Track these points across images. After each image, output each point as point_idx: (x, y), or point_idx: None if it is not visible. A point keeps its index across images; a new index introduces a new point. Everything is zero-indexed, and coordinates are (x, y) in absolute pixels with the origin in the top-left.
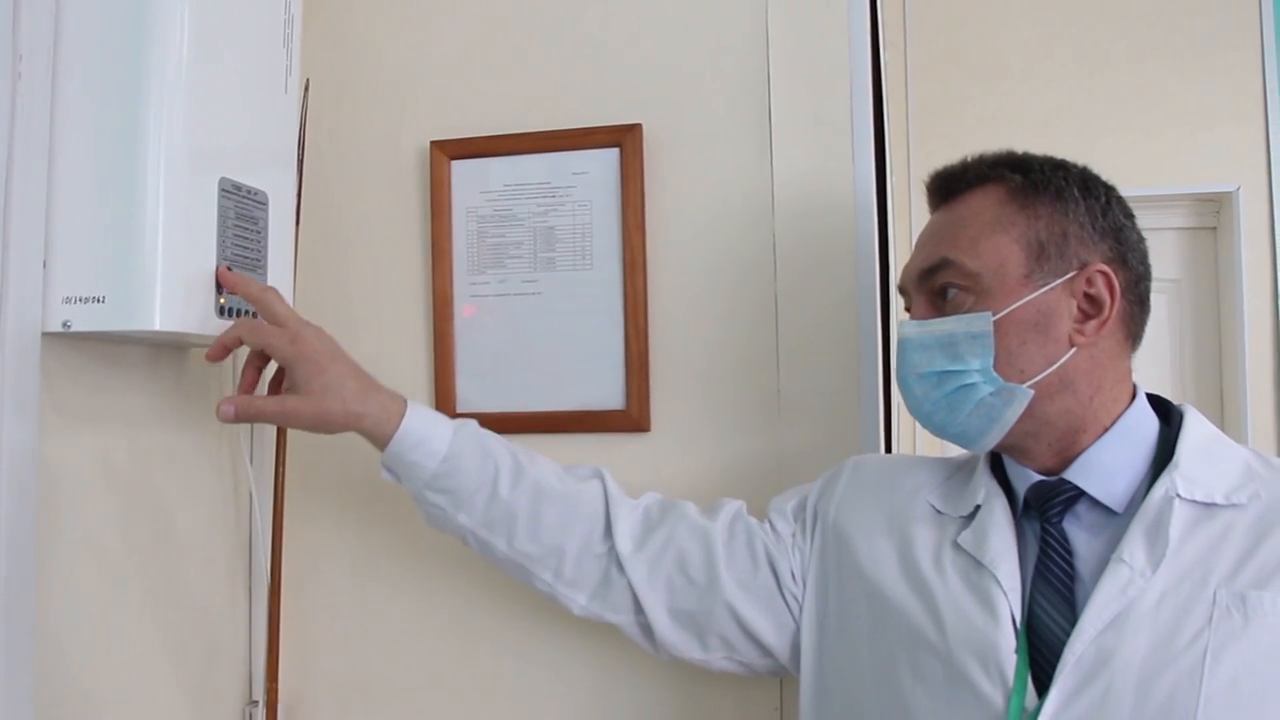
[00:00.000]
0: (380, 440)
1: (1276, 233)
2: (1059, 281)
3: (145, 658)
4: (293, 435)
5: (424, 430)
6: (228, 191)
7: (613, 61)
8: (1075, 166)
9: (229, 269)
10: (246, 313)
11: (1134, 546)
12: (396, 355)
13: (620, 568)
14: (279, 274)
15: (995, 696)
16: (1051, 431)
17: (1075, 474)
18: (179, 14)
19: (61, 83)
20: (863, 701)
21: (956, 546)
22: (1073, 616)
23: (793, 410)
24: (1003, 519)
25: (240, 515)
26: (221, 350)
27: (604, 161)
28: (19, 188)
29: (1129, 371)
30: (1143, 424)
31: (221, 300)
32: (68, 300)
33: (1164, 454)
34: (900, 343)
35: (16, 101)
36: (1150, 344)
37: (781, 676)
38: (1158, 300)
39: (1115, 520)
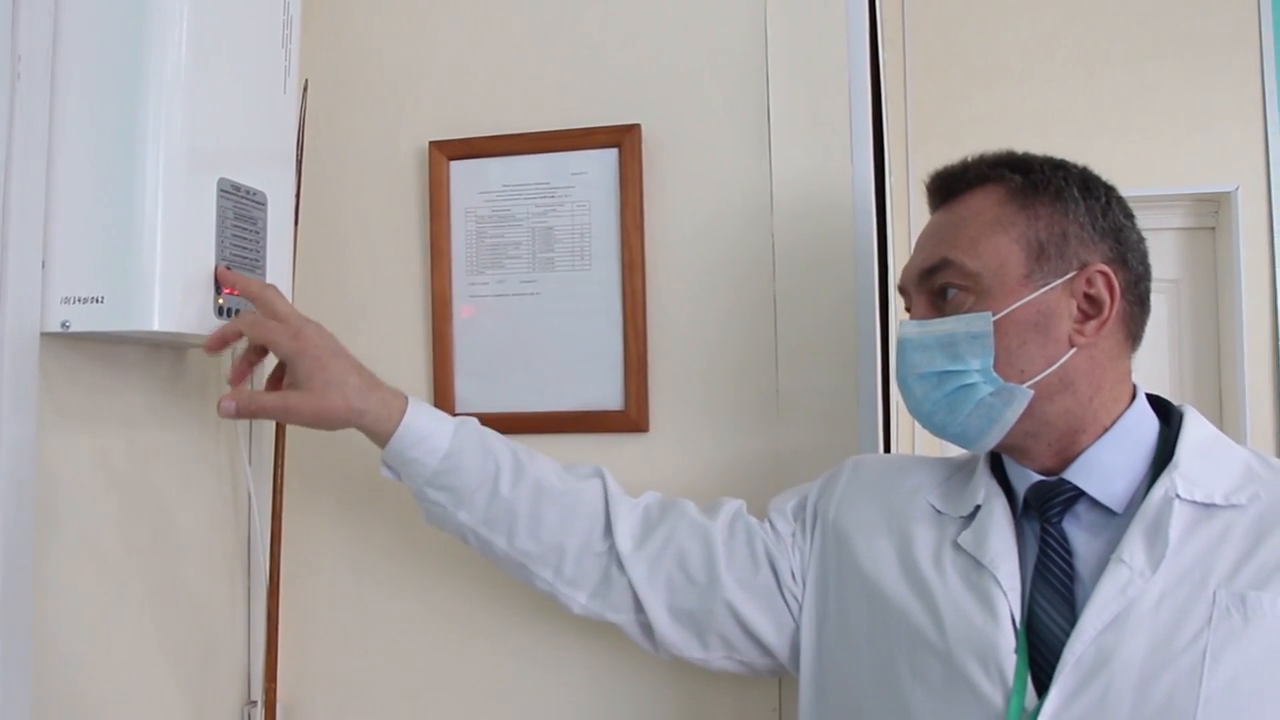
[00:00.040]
0: (381, 437)
1: (1275, 233)
2: (1059, 282)
3: (143, 657)
4: (291, 434)
5: (425, 427)
6: (226, 192)
7: (611, 62)
8: (1075, 167)
9: (228, 268)
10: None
11: (1134, 547)
12: (395, 355)
13: (620, 566)
14: (278, 274)
15: (995, 696)
16: (1051, 432)
17: (1075, 474)
18: (178, 14)
19: (60, 83)
20: (862, 701)
21: (956, 546)
22: (1072, 616)
23: (792, 410)
24: (1002, 519)
25: (239, 515)
26: (220, 341)
27: (603, 162)
28: (18, 188)
29: (1129, 372)
30: (1142, 424)
31: (220, 300)
32: (66, 300)
33: (1164, 454)
34: (900, 343)
35: (15, 101)
36: (1149, 344)
37: (781, 676)
38: (1156, 300)
39: (1115, 520)
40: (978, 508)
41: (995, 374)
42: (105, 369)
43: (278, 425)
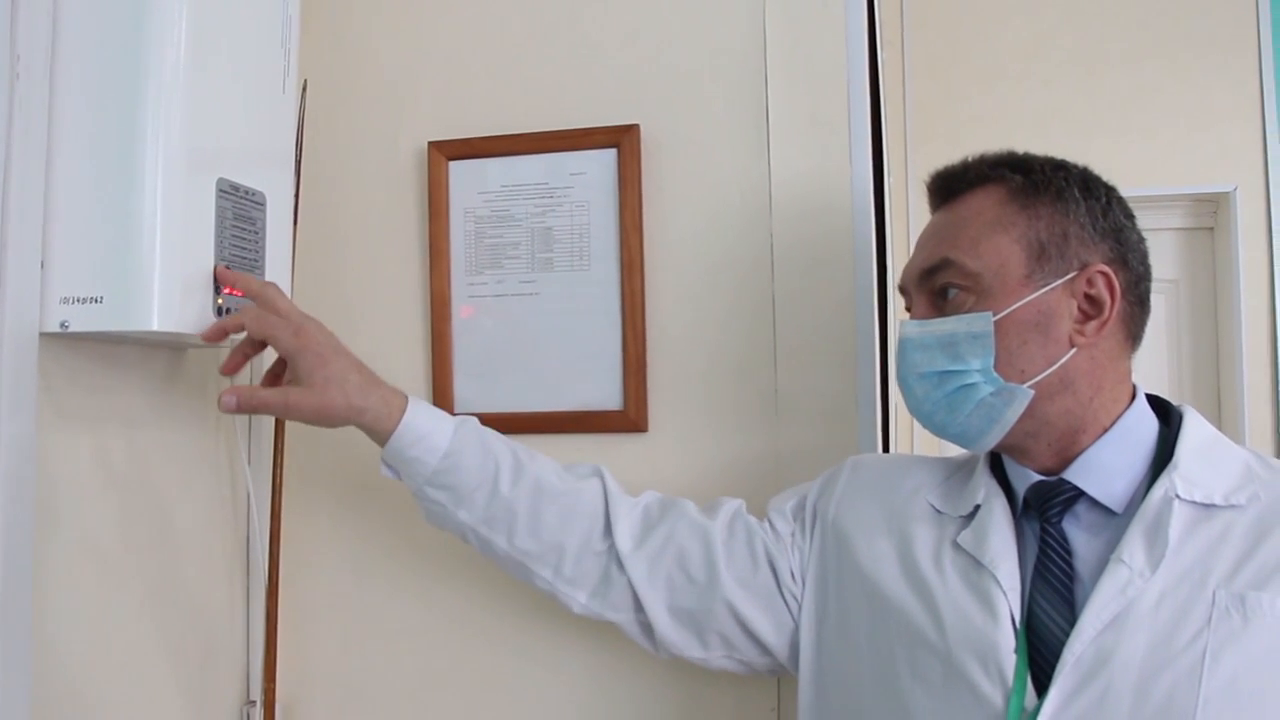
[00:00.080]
0: (381, 435)
1: (1273, 233)
2: (1059, 282)
3: (143, 657)
4: (290, 434)
5: (425, 426)
6: (225, 192)
7: (610, 62)
8: (1076, 167)
9: (227, 268)
10: None
11: (1133, 547)
12: (394, 355)
13: (620, 566)
14: (277, 274)
15: (994, 696)
16: (1051, 432)
17: (1075, 474)
18: (177, 14)
19: (59, 83)
20: (861, 701)
21: (956, 546)
22: (1072, 616)
23: (791, 410)
24: (1002, 519)
25: (238, 514)
26: (220, 332)
27: (601, 162)
28: (17, 188)
29: (1129, 372)
30: (1142, 424)
31: (219, 300)
32: (65, 300)
33: (1163, 455)
34: (901, 342)
35: (14, 102)
36: (1148, 344)
37: (780, 675)
38: (1155, 301)
39: (1114, 520)
40: (977, 507)
41: (996, 374)
42: (104, 369)
43: (277, 424)
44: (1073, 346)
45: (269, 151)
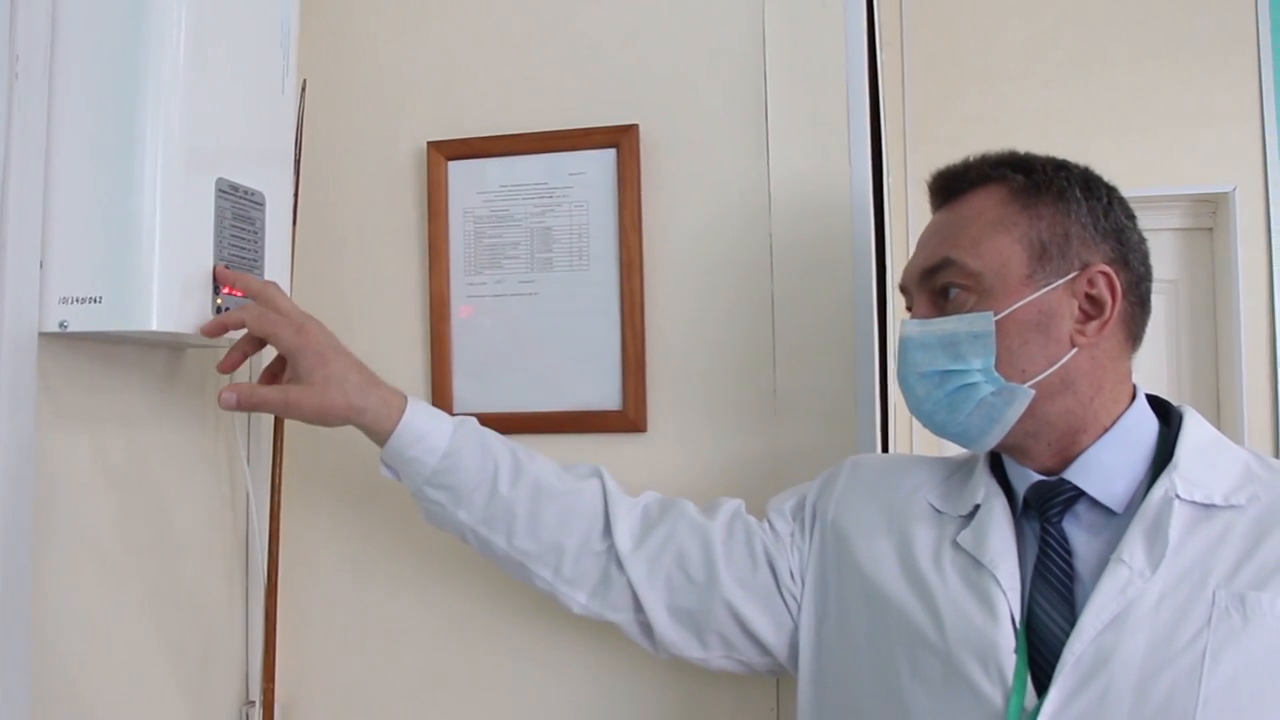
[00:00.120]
0: (380, 435)
1: (1272, 233)
2: (1060, 282)
3: (142, 657)
4: (290, 433)
5: (424, 426)
6: (224, 192)
7: (609, 62)
8: (1077, 167)
9: (227, 267)
10: None
11: (1133, 547)
12: (393, 355)
13: (619, 566)
14: (276, 274)
15: (994, 696)
16: (1052, 431)
17: (1075, 474)
18: (176, 14)
19: (58, 83)
20: (861, 701)
21: (956, 546)
22: (1072, 616)
23: (790, 410)
24: (1002, 518)
25: (237, 514)
26: (220, 328)
27: (601, 162)
28: (15, 188)
29: (1129, 372)
30: (1142, 425)
31: (218, 300)
32: (64, 300)
33: (1163, 455)
34: (902, 342)
35: (13, 101)
36: (1147, 344)
37: (779, 675)
38: (1154, 301)
39: (1115, 520)
40: (977, 507)
41: (996, 373)
42: (103, 369)
43: (276, 424)
44: (1073, 346)
45: (268, 151)
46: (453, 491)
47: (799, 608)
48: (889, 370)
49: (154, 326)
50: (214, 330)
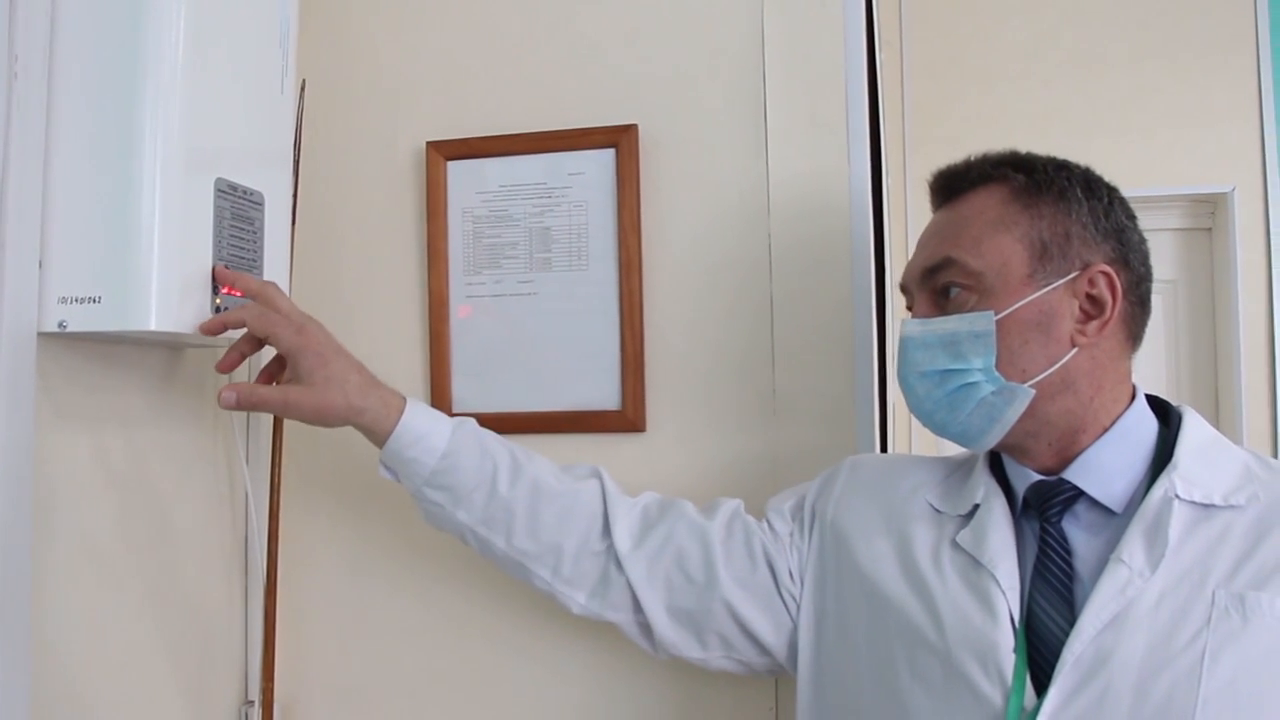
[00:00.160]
0: (379, 436)
1: (1271, 233)
2: (1061, 282)
3: (141, 657)
4: (289, 433)
5: (423, 427)
6: (223, 192)
7: (609, 62)
8: (1078, 167)
9: (226, 267)
10: None
11: (1133, 547)
12: (392, 355)
13: (619, 566)
14: (275, 274)
15: (994, 696)
16: (1052, 431)
17: (1075, 474)
18: (175, 14)
19: (57, 83)
20: (860, 700)
21: (955, 545)
22: (1071, 616)
23: (789, 411)
24: (1001, 518)
25: (236, 514)
26: (220, 326)
27: (600, 162)
28: (15, 188)
29: (1129, 372)
30: (1142, 425)
31: (217, 300)
32: (63, 300)
33: (1163, 455)
34: (902, 341)
35: (12, 101)
36: (1145, 344)
37: (778, 676)
38: (1153, 301)
39: (1114, 520)
40: (976, 506)
41: (997, 373)
42: (102, 368)
43: (275, 423)
44: (1074, 346)
45: (267, 151)
46: (452, 492)
47: (798, 608)
48: (888, 370)
49: (153, 326)
50: (213, 329)
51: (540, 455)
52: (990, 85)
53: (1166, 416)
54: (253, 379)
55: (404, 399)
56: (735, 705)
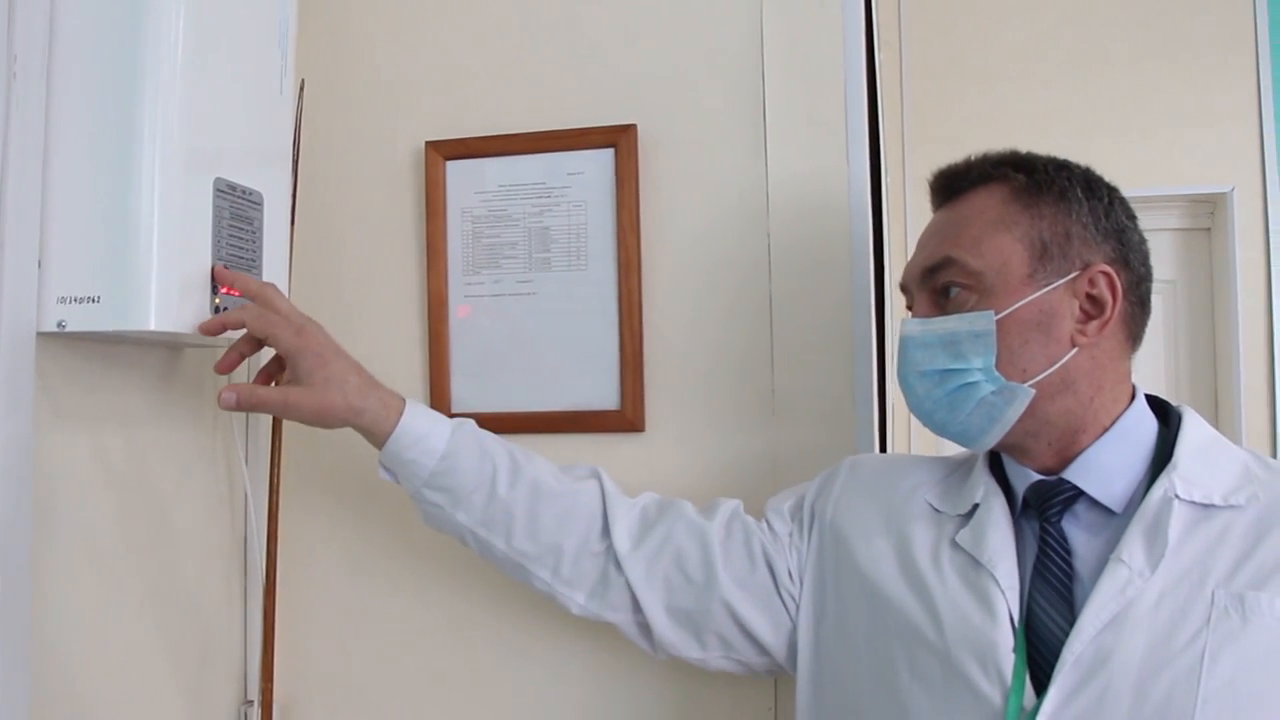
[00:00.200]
0: (378, 437)
1: (1271, 233)
2: (1061, 281)
3: (141, 657)
4: (288, 434)
5: (422, 428)
6: (222, 192)
7: (608, 62)
8: (1078, 167)
9: (225, 267)
10: None
11: (1133, 547)
12: (391, 355)
13: (618, 566)
14: (274, 274)
15: (993, 695)
16: (1051, 431)
17: (1074, 474)
18: (174, 14)
19: (56, 83)
20: (860, 700)
21: (955, 545)
22: (1071, 616)
23: (788, 410)
24: (1001, 518)
25: (235, 514)
26: (219, 326)
27: (599, 162)
28: (14, 188)
29: (1129, 372)
30: (1142, 425)
31: (216, 300)
32: (63, 300)
33: (1163, 455)
34: (902, 340)
35: (11, 101)
36: (1145, 344)
37: (778, 675)
38: (1153, 301)
39: (1114, 520)
40: (975, 506)
41: (997, 373)
42: (102, 368)
43: (274, 424)
44: (1074, 346)
45: (266, 151)
46: (451, 493)
47: (797, 608)
48: (887, 370)
49: (152, 326)
50: (213, 329)
51: (539, 456)
52: (990, 85)
53: (1166, 416)
54: (251, 379)
55: (403, 400)
56: (734, 705)
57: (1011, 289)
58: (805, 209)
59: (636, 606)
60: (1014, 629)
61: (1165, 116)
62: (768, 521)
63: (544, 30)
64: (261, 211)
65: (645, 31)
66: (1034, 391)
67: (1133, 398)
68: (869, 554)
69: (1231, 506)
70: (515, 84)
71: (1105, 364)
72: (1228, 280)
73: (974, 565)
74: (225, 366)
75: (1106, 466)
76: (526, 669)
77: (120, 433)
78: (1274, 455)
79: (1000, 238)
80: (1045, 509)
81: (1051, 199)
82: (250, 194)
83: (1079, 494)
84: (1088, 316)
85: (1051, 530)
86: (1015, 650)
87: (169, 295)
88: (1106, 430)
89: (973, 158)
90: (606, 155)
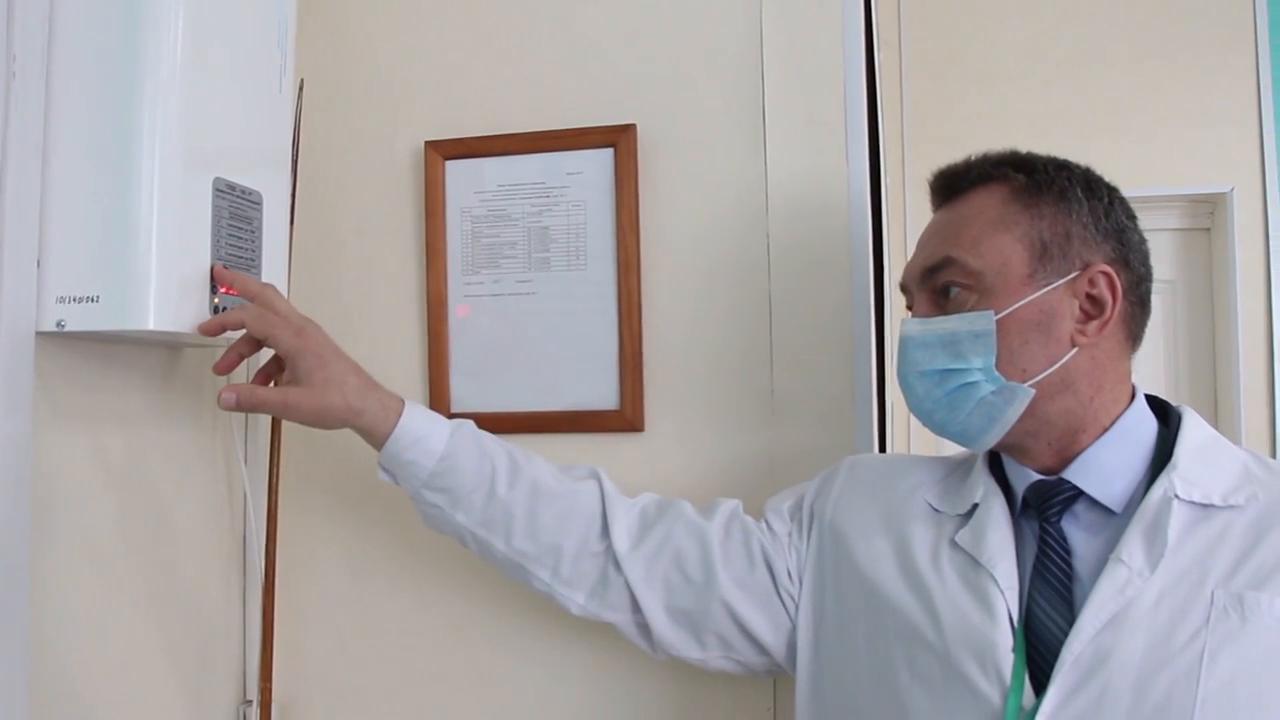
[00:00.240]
0: (378, 438)
1: (1270, 233)
2: (1061, 281)
3: (139, 656)
4: (287, 434)
5: (421, 429)
6: (222, 191)
7: (607, 62)
8: (1078, 167)
9: (225, 267)
10: None
11: (1132, 547)
12: (391, 355)
13: (617, 566)
14: (273, 274)
15: (992, 695)
16: (1051, 431)
17: (1074, 474)
18: (173, 14)
19: (56, 82)
20: (859, 700)
21: (954, 545)
22: (1070, 616)
23: (787, 410)
24: (1001, 518)
25: (235, 514)
26: (219, 326)
27: (598, 162)
28: (13, 187)
29: (1129, 372)
30: (1142, 425)
31: (215, 300)
32: (62, 300)
33: (1162, 455)
34: (902, 340)
35: (10, 101)
36: (1145, 344)
37: (777, 676)
38: (1153, 301)
39: (1114, 520)
40: (975, 506)
41: (997, 373)
42: (101, 368)
43: (274, 424)
44: (1074, 346)
45: (265, 151)
46: (450, 494)
47: (796, 608)
48: (886, 370)
49: (151, 326)
50: (213, 329)
51: (539, 456)
52: (990, 85)
53: (1166, 416)
54: (250, 379)
55: (402, 401)
56: (734, 705)
57: (1011, 289)
58: (805, 209)
59: (636, 606)
60: (1013, 629)
61: (1165, 117)
62: (767, 521)
63: (543, 30)
64: (261, 211)
65: (645, 31)
66: (1034, 391)
67: (1133, 398)
68: (868, 554)
69: (1231, 506)
70: (514, 84)
71: (1105, 364)
72: (1227, 280)
73: (973, 565)
74: (224, 367)
75: (1106, 466)
76: (526, 669)
77: (119, 433)
78: (1274, 455)
79: (1000, 238)
80: (1045, 509)
81: (1051, 199)
82: (250, 194)
83: (1079, 494)
84: (1088, 316)
85: (1051, 530)
86: (1014, 650)
87: (168, 295)
88: (1106, 430)
89: (972, 158)
90: (606, 155)
